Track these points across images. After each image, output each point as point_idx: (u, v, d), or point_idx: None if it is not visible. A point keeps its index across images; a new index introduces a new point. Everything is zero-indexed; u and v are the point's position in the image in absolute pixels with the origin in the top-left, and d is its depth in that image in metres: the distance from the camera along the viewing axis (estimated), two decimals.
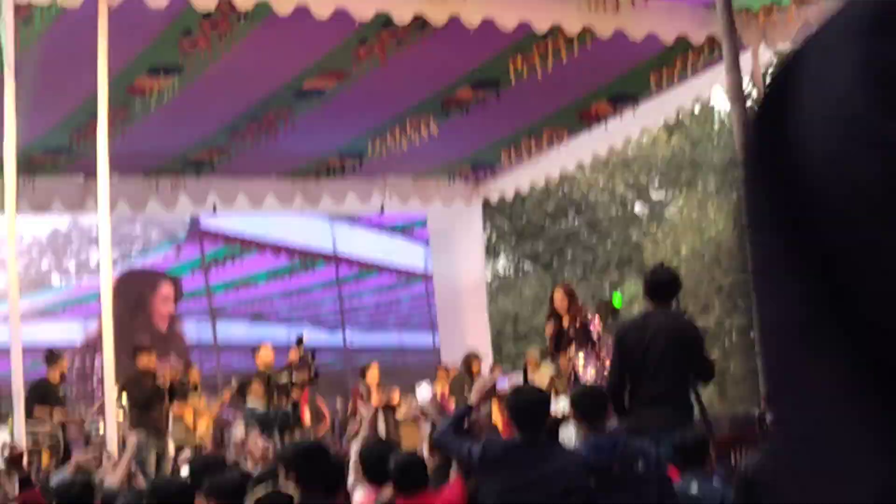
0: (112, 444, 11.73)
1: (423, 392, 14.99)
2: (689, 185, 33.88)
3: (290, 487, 6.16)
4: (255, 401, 14.32)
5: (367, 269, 22.11)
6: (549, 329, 12.15)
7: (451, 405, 14.90)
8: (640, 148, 33.86)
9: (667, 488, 6.92)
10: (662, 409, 8.49)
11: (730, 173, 32.01)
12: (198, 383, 15.77)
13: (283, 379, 13.85)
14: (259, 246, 21.24)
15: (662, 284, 8.90)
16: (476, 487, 6.91)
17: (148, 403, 14.03)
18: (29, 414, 13.16)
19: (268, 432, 13.13)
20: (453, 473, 7.14)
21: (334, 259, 21.77)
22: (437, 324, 21.71)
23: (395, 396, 15.96)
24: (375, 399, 15.65)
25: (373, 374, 16.36)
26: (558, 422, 7.41)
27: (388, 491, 7.03)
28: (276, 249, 21.38)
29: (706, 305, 30.94)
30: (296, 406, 14.09)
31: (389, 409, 15.65)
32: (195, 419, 15.37)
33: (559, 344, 12.17)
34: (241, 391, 14.98)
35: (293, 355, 15.02)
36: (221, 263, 20.95)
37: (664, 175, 35.70)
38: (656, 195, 37.39)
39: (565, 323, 11.88)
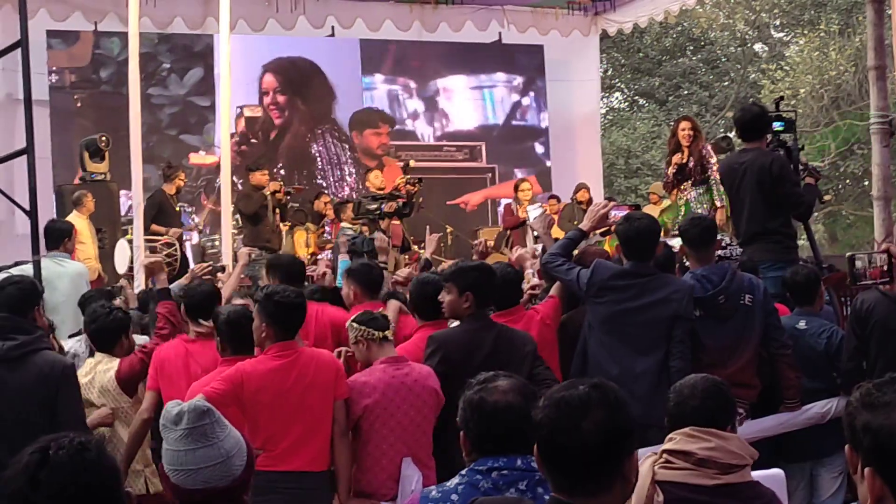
0: (227, 258, 12.04)
1: (534, 210, 14.89)
2: (812, 25, 33.06)
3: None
4: (347, 225, 14.43)
5: None
6: (678, 158, 11.87)
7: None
8: None
9: (773, 321, 6.95)
10: (765, 245, 8.52)
11: (854, 14, 31.17)
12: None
13: (372, 205, 13.75)
14: None
15: (748, 121, 8.81)
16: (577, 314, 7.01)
17: (257, 219, 14.31)
18: (146, 227, 13.51)
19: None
20: (555, 289, 7.22)
21: None
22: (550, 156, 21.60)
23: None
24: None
25: (524, 189, 16.29)
26: (670, 253, 7.39)
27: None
28: None
29: (821, 148, 30.47)
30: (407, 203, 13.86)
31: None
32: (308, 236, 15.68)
33: (678, 178, 12.03)
34: (337, 214, 15.13)
35: (399, 182, 15.08)
36: None
37: (786, 13, 34.83)
38: (777, 34, 36.58)
39: (685, 157, 11.73)
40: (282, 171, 19.42)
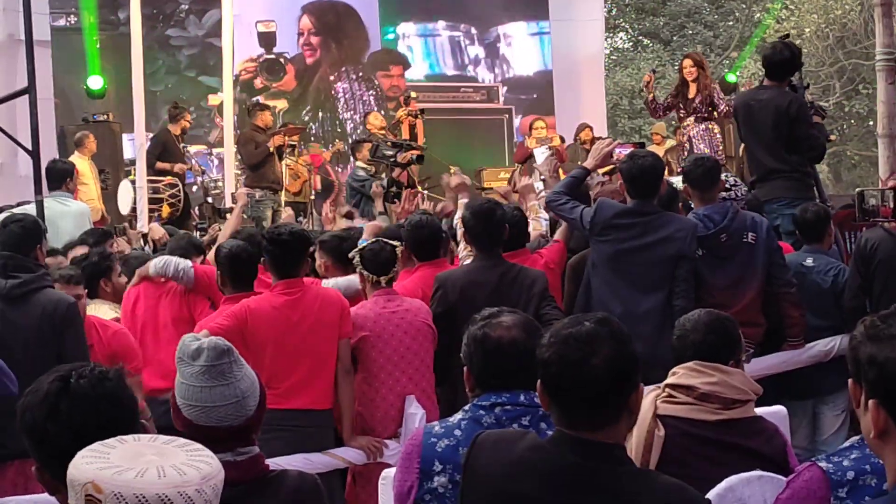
0: (230, 200, 12.03)
1: (541, 152, 14.86)
2: None
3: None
4: (362, 165, 14.38)
5: None
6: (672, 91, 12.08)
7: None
8: None
9: (777, 259, 6.94)
10: (784, 182, 8.52)
11: None
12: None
13: (389, 152, 13.70)
14: None
15: (776, 62, 8.79)
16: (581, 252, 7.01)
17: (263, 160, 14.24)
18: (151, 167, 13.49)
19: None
20: (559, 234, 7.21)
21: None
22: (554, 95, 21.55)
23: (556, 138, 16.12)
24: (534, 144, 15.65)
25: (538, 127, 16.31)
26: (674, 191, 7.36)
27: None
28: None
29: (826, 88, 30.37)
30: (394, 183, 13.87)
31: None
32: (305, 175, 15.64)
33: (670, 108, 12.16)
34: (353, 151, 15.05)
35: (401, 116, 15.02)
36: None
37: None
38: None
39: (692, 92, 11.72)
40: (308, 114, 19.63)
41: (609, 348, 2.82)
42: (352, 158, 15.50)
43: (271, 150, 14.17)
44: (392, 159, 13.46)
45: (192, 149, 16.11)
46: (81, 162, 12.61)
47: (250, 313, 5.82)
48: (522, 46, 21.81)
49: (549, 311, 6.29)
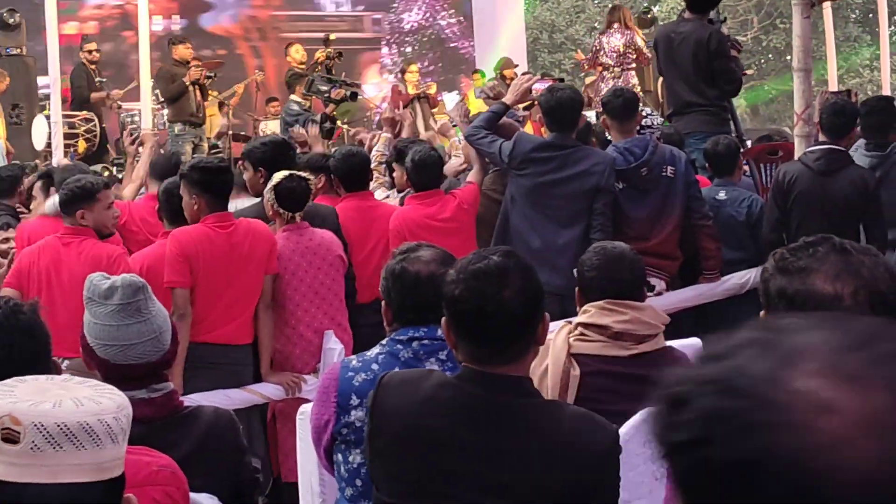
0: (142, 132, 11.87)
1: (451, 98, 14.96)
2: None
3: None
4: (296, 99, 14.25)
5: None
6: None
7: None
8: None
9: (694, 192, 6.98)
10: (701, 116, 8.59)
11: None
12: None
13: (323, 87, 13.61)
14: None
15: None
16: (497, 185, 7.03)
17: (180, 94, 14.09)
18: (85, 100, 13.30)
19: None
20: (472, 175, 7.23)
21: None
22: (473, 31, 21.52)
23: (432, 87, 16.20)
24: (412, 90, 15.80)
25: (412, 71, 16.47)
26: (589, 125, 7.37)
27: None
28: None
29: (744, 22, 30.53)
30: (327, 118, 13.81)
31: (425, 98, 15.82)
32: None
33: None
34: (290, 85, 14.93)
35: (319, 55, 14.95)
36: None
37: None
38: None
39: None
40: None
41: (520, 280, 2.85)
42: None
43: (187, 83, 14.01)
44: (326, 95, 13.42)
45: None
46: None
47: (191, 242, 5.80)
48: None
49: None
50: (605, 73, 12.76)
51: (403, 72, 16.51)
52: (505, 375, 2.86)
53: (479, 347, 2.88)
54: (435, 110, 15.70)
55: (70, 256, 6.01)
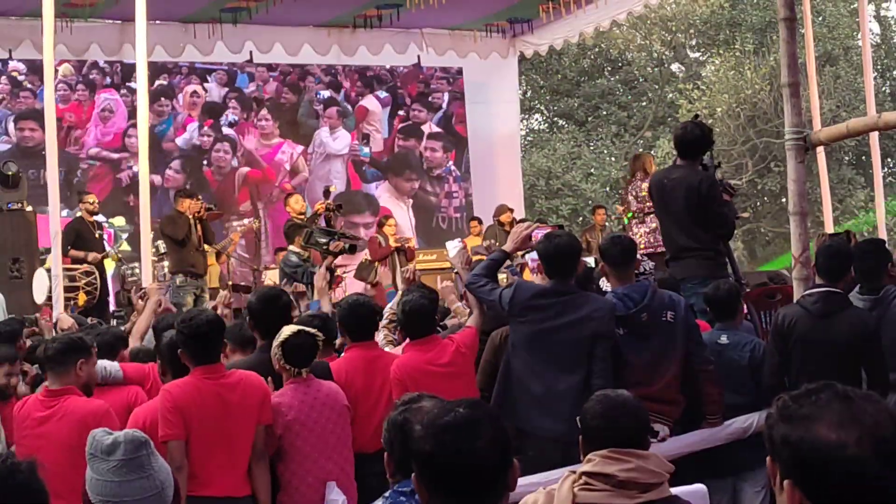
0: (148, 286, 11.90)
1: (454, 245, 15.06)
2: (727, 45, 33.51)
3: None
4: (295, 250, 14.33)
5: None
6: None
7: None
8: (677, 6, 33.48)
9: (695, 336, 6.98)
10: (697, 261, 8.61)
11: (768, 34, 31.63)
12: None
13: (322, 239, 13.72)
14: None
15: (687, 141, 8.92)
16: (501, 335, 7.04)
17: (182, 242, 14.19)
18: (65, 254, 13.33)
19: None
20: (471, 320, 7.24)
21: None
22: (471, 178, 21.74)
23: (411, 240, 16.45)
24: (392, 242, 16.05)
25: (390, 224, 16.70)
26: (590, 271, 7.40)
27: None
28: None
29: (739, 166, 30.86)
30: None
31: (403, 252, 16.08)
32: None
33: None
34: (288, 236, 15.03)
35: (319, 207, 15.09)
36: None
37: (702, 34, 35.31)
38: (693, 54, 37.03)
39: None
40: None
41: (491, 429, 2.86)
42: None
43: (188, 215, 14.22)
44: (325, 247, 13.50)
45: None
46: None
47: (182, 394, 5.78)
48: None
49: None
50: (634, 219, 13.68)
51: (381, 225, 16.74)
52: None
53: (456, 499, 2.86)
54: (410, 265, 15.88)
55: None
